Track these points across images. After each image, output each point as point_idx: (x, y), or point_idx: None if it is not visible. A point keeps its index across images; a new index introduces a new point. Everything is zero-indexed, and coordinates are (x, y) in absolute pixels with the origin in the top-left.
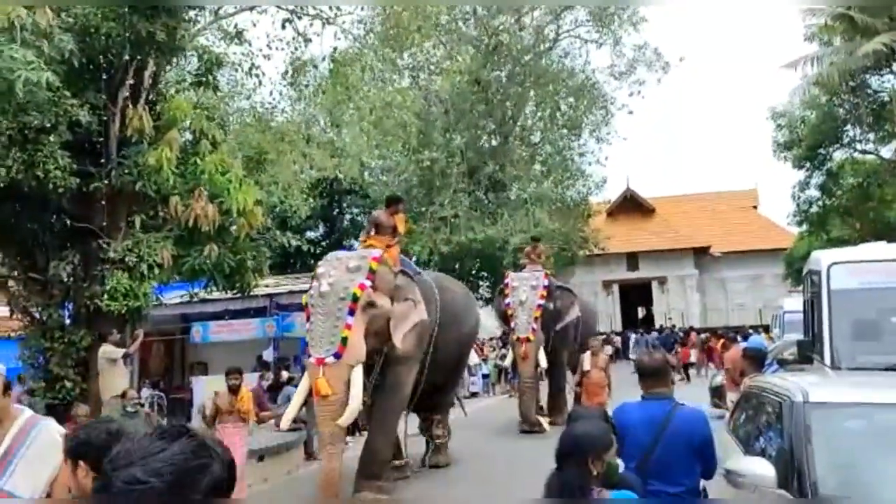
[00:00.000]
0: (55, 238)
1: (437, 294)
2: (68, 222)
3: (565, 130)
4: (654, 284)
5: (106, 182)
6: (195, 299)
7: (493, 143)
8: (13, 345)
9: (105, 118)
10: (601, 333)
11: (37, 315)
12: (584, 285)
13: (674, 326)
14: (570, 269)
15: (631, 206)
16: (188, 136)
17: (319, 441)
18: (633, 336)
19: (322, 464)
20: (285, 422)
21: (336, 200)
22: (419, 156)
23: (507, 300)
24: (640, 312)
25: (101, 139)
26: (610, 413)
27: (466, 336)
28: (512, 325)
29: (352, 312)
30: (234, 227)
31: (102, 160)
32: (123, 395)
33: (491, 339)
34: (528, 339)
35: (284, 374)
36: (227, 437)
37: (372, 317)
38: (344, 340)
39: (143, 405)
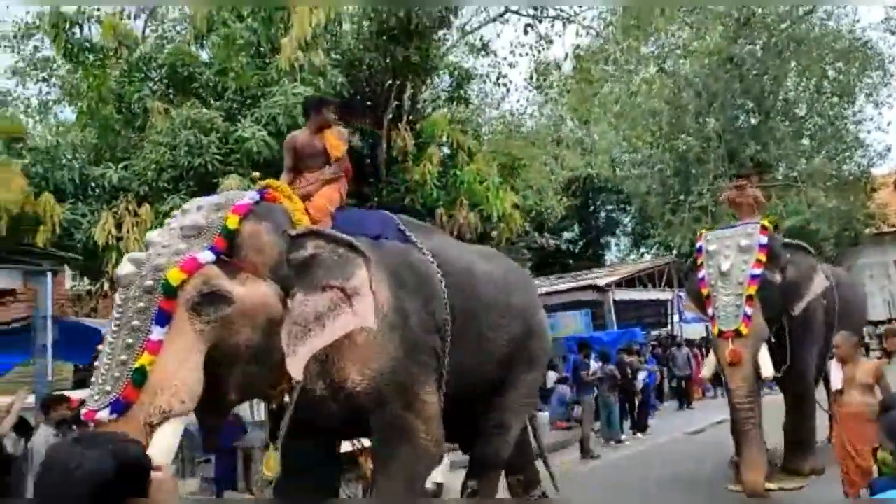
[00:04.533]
0: None
1: (441, 271)
2: None
3: (835, 98)
4: None
5: (377, 200)
6: None
7: (753, 121)
8: None
9: (372, 142)
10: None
11: None
12: (875, 266)
13: None
14: (855, 251)
15: None
16: (445, 150)
17: None
18: None
19: None
20: None
21: (590, 199)
22: (673, 142)
23: (700, 273)
24: None
25: (371, 161)
26: None
27: (518, 339)
28: (710, 311)
29: (162, 318)
30: (494, 233)
31: (372, 180)
32: None
33: None
34: (736, 333)
35: (552, 375)
36: None
37: (224, 322)
38: (137, 375)
39: None
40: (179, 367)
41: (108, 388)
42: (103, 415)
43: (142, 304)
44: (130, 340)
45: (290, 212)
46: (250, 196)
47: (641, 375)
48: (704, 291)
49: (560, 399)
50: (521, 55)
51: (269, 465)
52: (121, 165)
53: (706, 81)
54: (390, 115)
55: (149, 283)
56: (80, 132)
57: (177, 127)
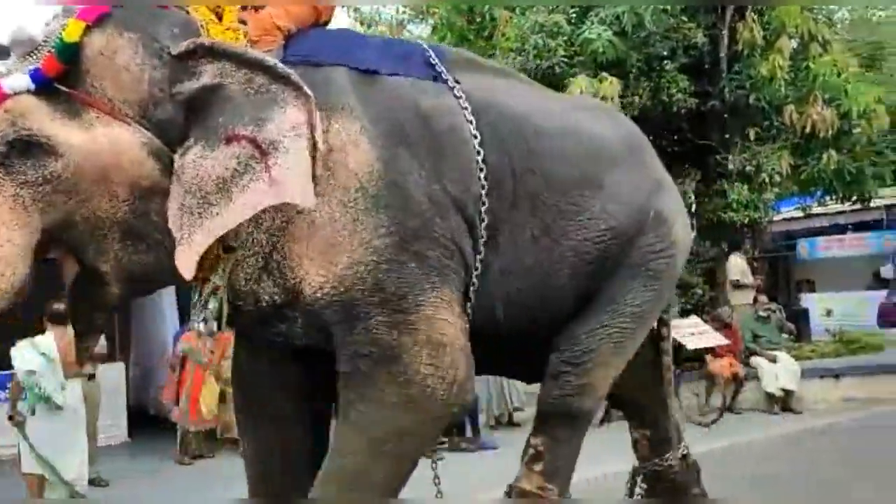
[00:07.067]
0: (677, 157)
1: (481, 122)
2: (688, 141)
3: None
4: None
5: (720, 99)
6: (802, 215)
7: None
8: None
9: (715, 37)
10: None
11: None
12: None
13: None
14: None
15: None
16: (793, 42)
17: None
18: None
19: None
20: None
21: None
22: None
23: None
24: None
25: (712, 58)
26: None
27: (623, 234)
28: None
29: None
30: (857, 131)
31: (716, 78)
32: (755, 301)
33: None
34: None
35: None
36: None
37: (55, 185)
38: None
39: (774, 311)
40: None
41: None
42: None
43: None
44: None
45: (193, 22)
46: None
47: None
48: None
49: None
50: None
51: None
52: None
53: None
54: (733, 7)
55: None
56: (437, 43)
57: (525, 33)
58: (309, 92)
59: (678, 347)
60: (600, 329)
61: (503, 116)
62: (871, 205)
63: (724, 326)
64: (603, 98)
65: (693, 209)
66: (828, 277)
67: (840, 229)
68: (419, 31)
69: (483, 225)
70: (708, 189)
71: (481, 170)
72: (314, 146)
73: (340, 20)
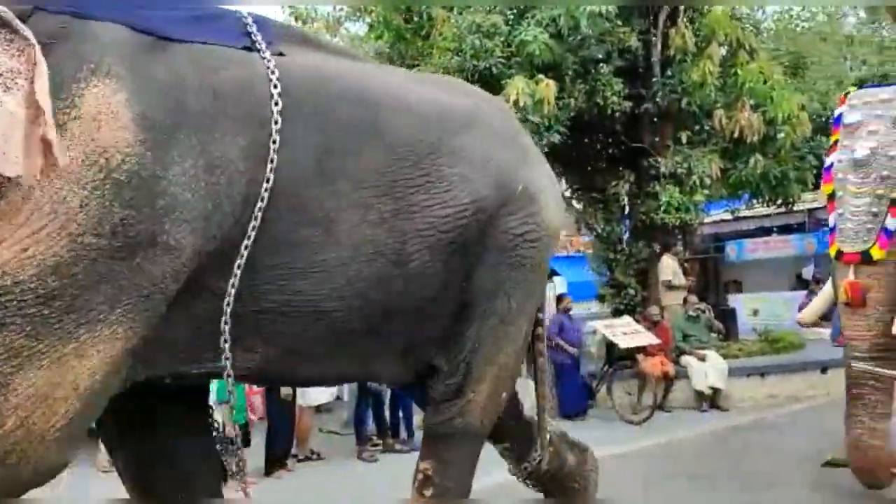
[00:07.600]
0: (611, 159)
1: (285, 89)
2: (622, 144)
3: None
4: None
5: (653, 102)
6: (730, 218)
7: None
8: (583, 261)
9: (648, 41)
10: None
11: (599, 230)
12: None
13: None
14: None
15: None
16: (723, 49)
17: None
18: None
19: None
20: None
21: None
22: None
23: (829, 159)
24: None
25: (646, 62)
26: None
27: (481, 211)
28: (831, 219)
29: None
30: (780, 136)
31: (649, 82)
32: (685, 302)
33: None
34: (863, 258)
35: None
36: None
37: None
38: None
39: (704, 311)
40: None
41: None
42: None
43: None
44: None
45: None
46: None
47: None
48: (826, 188)
49: None
50: None
51: None
52: (413, 71)
53: None
54: (667, 13)
55: None
56: (374, 42)
57: (462, 33)
58: (29, 35)
59: (611, 346)
60: (477, 344)
61: (331, 91)
62: (795, 208)
63: (654, 325)
64: (539, 100)
65: (626, 211)
66: (754, 278)
67: (766, 232)
68: (356, 29)
69: (256, 223)
70: (641, 191)
71: (271, 159)
72: (33, 102)
73: (275, 16)
